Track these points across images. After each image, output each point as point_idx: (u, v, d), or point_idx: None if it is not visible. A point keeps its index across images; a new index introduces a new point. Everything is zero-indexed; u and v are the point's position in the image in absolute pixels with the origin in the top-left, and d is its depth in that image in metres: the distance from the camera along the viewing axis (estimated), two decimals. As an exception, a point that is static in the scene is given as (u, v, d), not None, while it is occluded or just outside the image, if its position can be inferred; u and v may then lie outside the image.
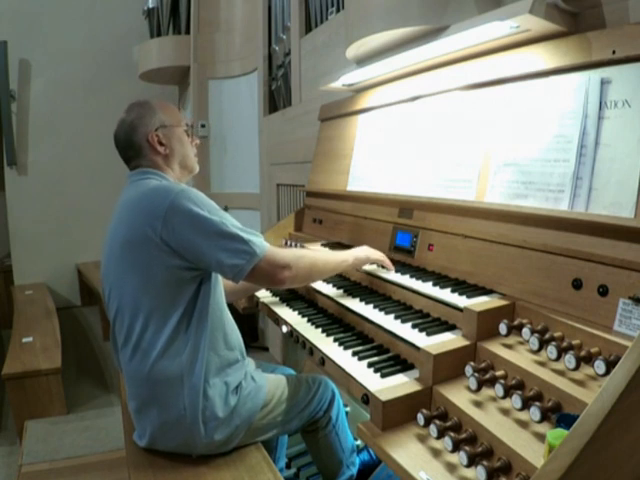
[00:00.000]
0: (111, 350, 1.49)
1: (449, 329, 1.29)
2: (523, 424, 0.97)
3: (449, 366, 1.15)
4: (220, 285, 1.43)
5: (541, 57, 1.32)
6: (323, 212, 2.33)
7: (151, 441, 1.36)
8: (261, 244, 1.31)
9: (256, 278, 1.33)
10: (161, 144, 1.45)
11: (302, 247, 2.01)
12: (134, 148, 1.44)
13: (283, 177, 3.36)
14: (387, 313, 1.43)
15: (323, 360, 1.40)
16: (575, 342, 1.03)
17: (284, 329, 1.70)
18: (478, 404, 1.06)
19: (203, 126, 4.43)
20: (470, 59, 1.56)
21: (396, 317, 1.39)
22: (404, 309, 1.47)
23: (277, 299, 1.92)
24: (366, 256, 1.61)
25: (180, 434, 1.32)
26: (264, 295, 1.99)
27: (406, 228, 1.73)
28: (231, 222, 1.30)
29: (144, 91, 4.80)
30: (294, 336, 1.61)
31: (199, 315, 1.32)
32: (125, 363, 1.36)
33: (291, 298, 1.91)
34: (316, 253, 1.51)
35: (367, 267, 1.67)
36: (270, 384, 1.49)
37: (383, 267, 1.62)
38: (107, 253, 1.40)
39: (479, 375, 1.07)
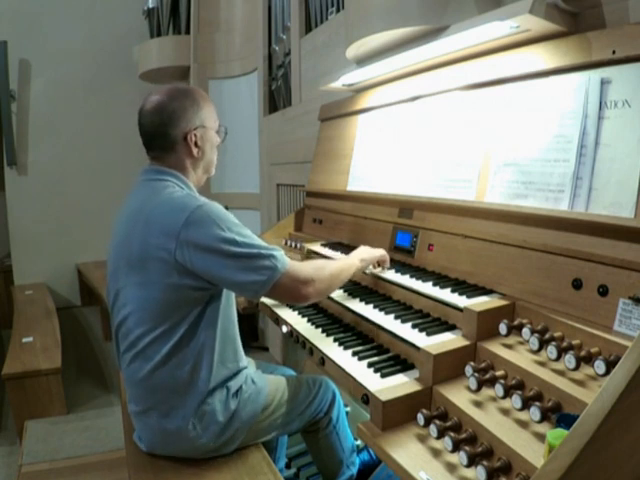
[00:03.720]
0: (113, 352, 1.48)
1: (449, 329, 1.29)
2: (523, 424, 0.97)
3: (449, 366, 1.15)
4: (232, 297, 1.40)
5: (541, 57, 1.32)
6: (323, 212, 2.32)
7: (150, 446, 1.36)
8: (282, 259, 1.26)
9: (278, 294, 1.29)
10: (196, 145, 1.36)
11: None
12: (167, 141, 1.34)
13: (283, 177, 3.36)
14: (387, 313, 1.43)
15: (323, 360, 1.40)
16: (575, 342, 1.03)
17: (284, 329, 1.70)
18: (478, 404, 1.06)
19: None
20: (470, 59, 1.56)
21: (396, 317, 1.39)
22: (404, 309, 1.47)
23: (277, 299, 1.92)
24: (371, 256, 1.59)
25: (180, 441, 1.31)
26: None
27: (406, 228, 1.73)
28: (250, 238, 1.24)
29: (144, 91, 4.75)
30: (294, 336, 1.61)
31: (206, 329, 1.29)
32: (125, 366, 1.35)
33: (291, 298, 1.91)
34: (330, 262, 1.46)
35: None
36: (270, 386, 1.49)
37: (379, 265, 1.63)
38: (114, 260, 1.34)
39: (479, 375, 1.07)
